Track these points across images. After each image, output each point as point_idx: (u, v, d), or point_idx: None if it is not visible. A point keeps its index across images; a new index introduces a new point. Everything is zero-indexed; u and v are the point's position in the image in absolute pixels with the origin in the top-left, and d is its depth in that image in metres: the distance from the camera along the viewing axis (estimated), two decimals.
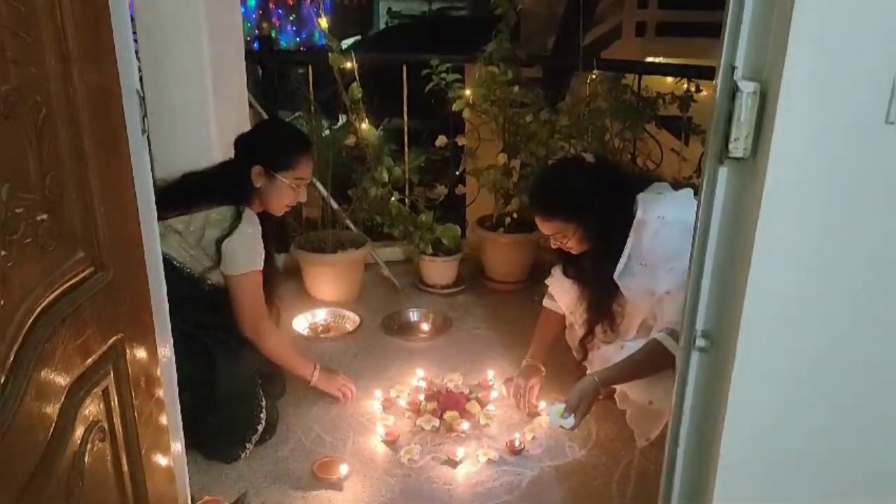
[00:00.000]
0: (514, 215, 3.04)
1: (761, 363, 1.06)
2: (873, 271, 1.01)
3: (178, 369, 1.88)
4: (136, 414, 1.28)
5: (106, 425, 1.19)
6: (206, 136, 2.39)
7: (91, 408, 1.14)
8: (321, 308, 2.85)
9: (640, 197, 1.91)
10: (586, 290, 2.04)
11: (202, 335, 1.95)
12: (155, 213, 1.39)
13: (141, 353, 1.30)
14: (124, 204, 1.24)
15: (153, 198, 1.38)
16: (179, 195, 2.02)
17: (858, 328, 1.04)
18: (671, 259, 1.79)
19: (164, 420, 1.42)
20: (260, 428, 2.01)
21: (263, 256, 2.02)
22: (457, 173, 3.25)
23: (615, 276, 1.91)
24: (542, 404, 2.17)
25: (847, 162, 0.96)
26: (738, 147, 1.01)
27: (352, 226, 3.04)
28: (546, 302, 2.33)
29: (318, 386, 2.19)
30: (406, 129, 3.26)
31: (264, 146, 2.08)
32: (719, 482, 1.13)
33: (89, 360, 1.12)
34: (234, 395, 1.96)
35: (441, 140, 3.11)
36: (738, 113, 0.99)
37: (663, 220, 1.84)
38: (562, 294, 2.17)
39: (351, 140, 2.98)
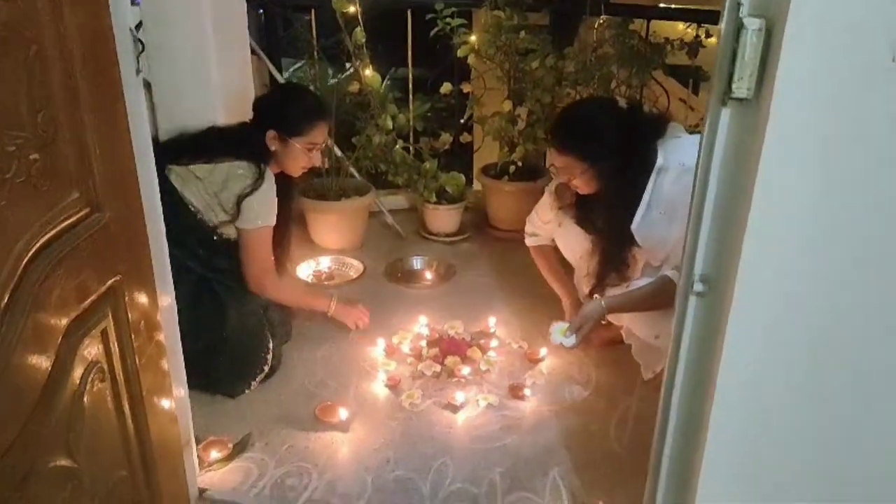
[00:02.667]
0: (519, 163, 3.01)
1: (758, 309, 1.05)
2: (878, 216, 0.99)
3: (187, 310, 1.90)
4: (136, 355, 1.29)
5: (105, 366, 1.20)
6: (206, 84, 2.35)
7: (90, 349, 1.15)
8: (325, 255, 2.86)
9: (660, 143, 1.89)
10: (601, 239, 2.03)
11: (212, 278, 1.99)
12: (152, 155, 1.38)
13: (140, 296, 1.31)
14: (120, 144, 1.23)
15: (149, 139, 1.37)
16: (204, 145, 2.05)
17: (860, 275, 1.03)
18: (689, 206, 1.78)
19: (165, 362, 1.43)
20: (266, 368, 2.05)
21: (274, 217, 2.04)
22: (461, 121, 3.21)
23: (633, 226, 1.89)
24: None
25: (852, 103, 0.93)
26: (742, 87, 0.99)
27: (356, 173, 3.02)
28: (532, 241, 2.34)
29: (337, 317, 2.28)
30: (410, 75, 3.21)
31: (278, 111, 2.09)
32: (713, 423, 1.14)
33: (86, 301, 1.13)
34: (241, 337, 2.00)
35: (446, 87, 3.06)
36: (742, 51, 0.97)
37: (684, 166, 1.82)
38: (569, 243, 2.16)
39: (355, 87, 2.94)
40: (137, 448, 1.33)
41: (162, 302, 1.42)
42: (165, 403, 1.44)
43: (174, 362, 1.52)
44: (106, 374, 1.21)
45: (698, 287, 1.13)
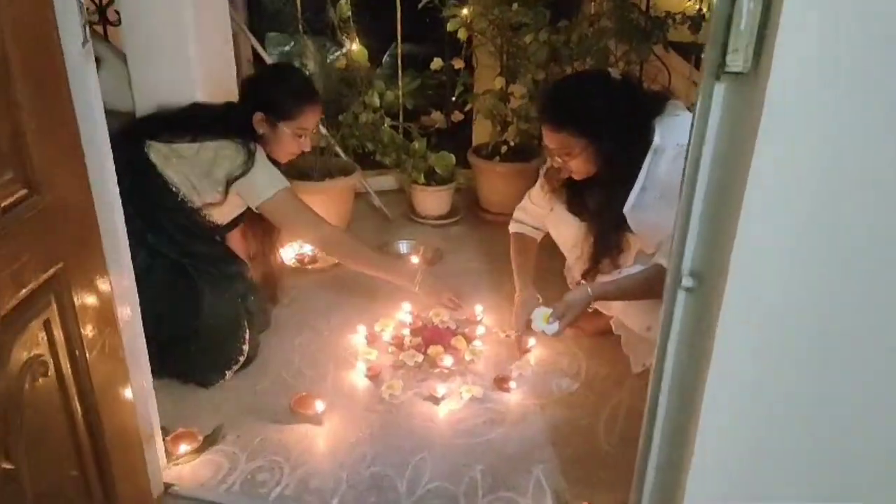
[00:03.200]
0: (512, 143, 2.90)
1: (752, 305, 0.96)
2: (884, 202, 0.90)
3: (161, 297, 1.83)
4: (85, 347, 1.20)
5: (50, 360, 1.12)
6: (184, 57, 2.24)
7: (29, 342, 1.06)
8: None
9: (658, 121, 1.78)
10: (594, 223, 1.92)
11: (188, 264, 1.89)
12: (105, 133, 1.29)
13: (90, 283, 1.22)
14: (62, 120, 1.14)
15: (101, 115, 1.28)
16: (188, 122, 1.95)
17: (864, 266, 0.94)
18: None
19: (121, 352, 1.34)
20: (242, 358, 1.97)
21: (284, 178, 1.95)
22: (453, 99, 3.09)
23: (626, 209, 1.79)
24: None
25: (860, 78, 0.83)
26: (737, 59, 0.89)
27: (341, 153, 2.91)
28: (515, 227, 2.23)
29: (422, 294, 2.14)
30: (399, 51, 3.09)
31: (267, 93, 1.98)
32: (702, 423, 1.05)
33: (25, 290, 1.04)
34: (217, 326, 1.91)
35: (436, 63, 2.94)
36: (738, 19, 0.87)
37: (682, 147, 1.71)
38: (561, 229, 2.06)
39: (341, 62, 2.83)
40: (89, 445, 1.25)
41: (117, 289, 1.33)
42: (122, 396, 1.35)
43: (134, 352, 1.44)
44: (50, 367, 1.12)
45: (687, 282, 1.04)
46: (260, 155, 1.91)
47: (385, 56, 3.27)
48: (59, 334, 1.14)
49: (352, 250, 2.09)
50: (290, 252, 2.65)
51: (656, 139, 1.75)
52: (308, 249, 2.68)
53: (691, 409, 1.08)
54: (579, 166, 1.81)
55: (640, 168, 1.77)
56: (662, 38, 2.78)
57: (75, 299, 1.16)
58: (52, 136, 1.09)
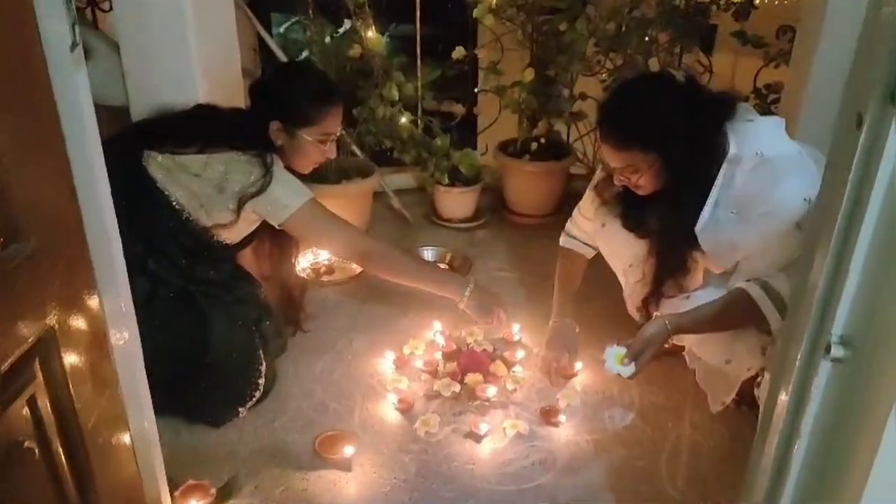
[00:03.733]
0: (542, 140, 2.68)
1: None
2: None
3: (164, 330, 1.60)
4: (80, 419, 0.99)
5: (36, 444, 0.91)
6: (183, 45, 2.01)
7: (10, 427, 0.85)
8: None
9: (729, 127, 1.56)
10: (657, 242, 1.70)
11: (194, 290, 1.68)
12: (99, 154, 1.06)
13: (84, 341, 1.00)
14: (46, 146, 0.92)
15: (96, 133, 1.05)
16: (194, 129, 1.72)
17: None
18: (768, 201, 1.47)
19: (122, 418, 1.13)
20: (257, 394, 1.76)
21: (307, 189, 1.72)
22: (475, 91, 2.86)
23: (698, 227, 1.57)
24: (579, 365, 1.90)
25: None
26: None
27: (357, 151, 2.67)
28: (565, 241, 2.01)
29: (470, 312, 1.89)
30: (418, 37, 2.84)
31: (281, 98, 1.73)
32: None
33: (3, 364, 0.83)
34: (229, 357, 1.70)
35: (458, 52, 2.70)
36: None
37: (762, 156, 1.49)
38: (615, 248, 1.83)
39: (356, 51, 2.59)
40: None
41: (117, 341, 1.11)
42: (125, 469, 1.15)
43: (138, 412, 1.22)
44: (37, 453, 0.91)
45: (837, 352, 0.82)
46: (277, 167, 1.68)
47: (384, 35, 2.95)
48: (46, 411, 0.92)
49: (396, 263, 1.87)
50: (303, 262, 2.42)
51: (732, 148, 1.53)
52: (324, 258, 2.46)
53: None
54: (647, 183, 1.58)
55: (711, 180, 1.55)
56: (708, 26, 2.54)
57: (66, 364, 0.95)
58: (35, 168, 0.88)
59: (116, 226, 1.12)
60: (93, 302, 1.02)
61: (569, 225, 2.00)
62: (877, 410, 0.78)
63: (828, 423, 0.87)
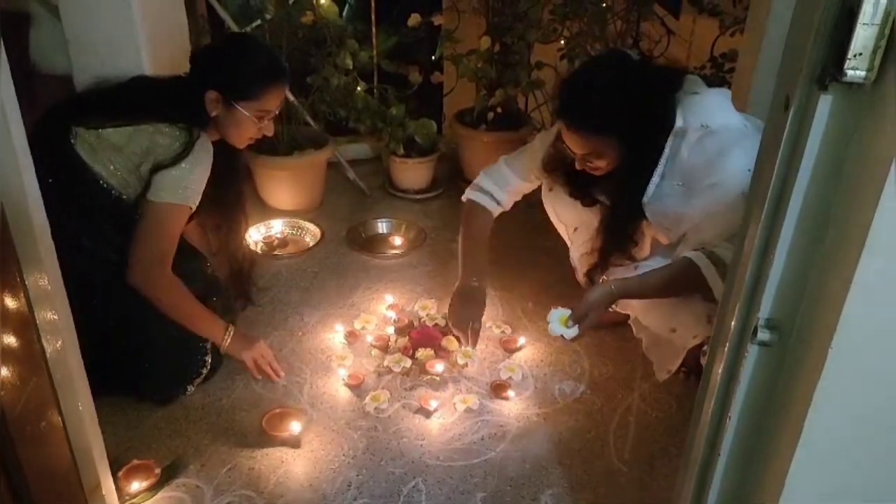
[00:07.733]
0: (499, 109, 2.65)
1: (862, 368, 0.75)
2: None
3: (102, 310, 1.57)
4: (2, 408, 0.96)
5: None
6: (126, 11, 1.93)
7: None
8: (277, 218, 2.49)
9: (677, 100, 1.55)
10: (606, 214, 1.69)
11: None
12: (22, 135, 1.01)
13: (6, 324, 0.96)
14: None
15: (16, 111, 1.00)
16: (123, 101, 1.64)
17: None
18: (714, 172, 1.47)
19: (54, 401, 1.10)
20: (204, 371, 1.74)
21: (197, 198, 1.61)
22: (432, 58, 2.81)
23: (644, 199, 1.57)
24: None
25: None
26: (860, 67, 0.66)
27: (311, 121, 2.62)
28: (473, 195, 1.92)
29: (231, 354, 1.76)
30: (373, 4, 2.78)
31: (223, 69, 1.64)
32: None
33: None
34: (172, 336, 1.66)
35: (413, 18, 2.64)
36: (867, 10, 0.64)
37: (707, 128, 1.49)
38: (563, 212, 1.83)
39: (308, 17, 2.51)
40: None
41: (43, 321, 1.08)
42: (58, 454, 1.12)
43: (71, 394, 1.19)
44: None
45: (763, 335, 0.83)
46: (199, 151, 1.59)
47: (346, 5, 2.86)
48: None
49: (169, 295, 1.65)
50: (256, 235, 2.39)
51: (678, 121, 1.53)
52: (277, 231, 2.42)
53: (764, 480, 0.89)
54: (608, 164, 1.58)
55: (658, 153, 1.55)
56: None
57: None
58: None
59: (42, 204, 1.08)
60: (14, 280, 0.98)
61: (482, 178, 1.93)
62: (798, 400, 0.79)
63: (758, 402, 0.88)
